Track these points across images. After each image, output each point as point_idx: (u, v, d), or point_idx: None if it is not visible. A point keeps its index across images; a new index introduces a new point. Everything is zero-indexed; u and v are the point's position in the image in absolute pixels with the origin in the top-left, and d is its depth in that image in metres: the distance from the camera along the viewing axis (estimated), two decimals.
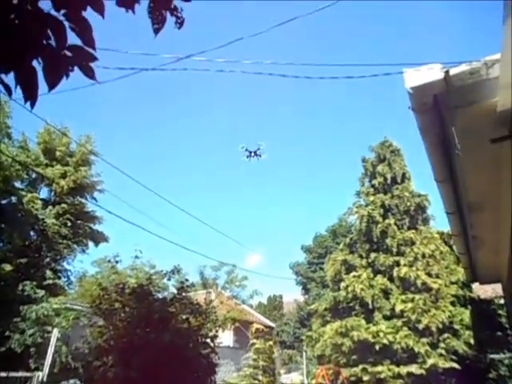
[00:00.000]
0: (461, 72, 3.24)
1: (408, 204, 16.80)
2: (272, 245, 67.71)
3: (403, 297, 14.98)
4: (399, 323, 14.59)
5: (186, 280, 9.09)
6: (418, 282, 14.87)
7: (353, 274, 16.08)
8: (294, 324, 34.15)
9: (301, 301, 33.87)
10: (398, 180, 17.42)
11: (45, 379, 8.57)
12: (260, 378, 15.24)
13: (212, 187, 64.11)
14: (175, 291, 9.08)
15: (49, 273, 15.01)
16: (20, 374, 8.71)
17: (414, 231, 16.39)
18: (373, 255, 16.34)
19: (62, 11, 1.63)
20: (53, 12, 1.64)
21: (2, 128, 16.45)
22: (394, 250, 16.00)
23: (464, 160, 3.91)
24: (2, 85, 2.27)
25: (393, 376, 13.87)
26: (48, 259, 16.00)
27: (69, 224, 16.50)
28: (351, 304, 15.81)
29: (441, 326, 14.02)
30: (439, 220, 17.53)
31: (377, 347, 14.22)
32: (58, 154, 17.18)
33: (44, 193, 17.44)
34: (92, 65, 1.78)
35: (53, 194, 17.22)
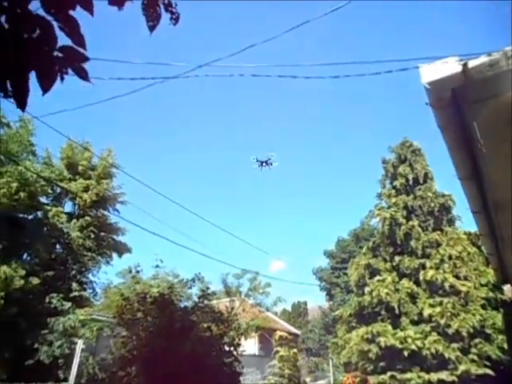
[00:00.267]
0: (480, 64, 3.10)
1: (432, 205, 16.38)
2: (295, 251, 67.15)
3: (431, 301, 14.54)
4: (428, 328, 14.15)
5: (207, 288, 9.07)
6: (446, 285, 14.42)
7: (377, 278, 15.73)
8: (319, 331, 33.66)
9: (325, 307, 33.36)
10: (421, 180, 17.03)
11: None
12: None
13: (233, 196, 64.35)
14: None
15: (75, 285, 15.26)
16: None
17: (439, 232, 15.95)
18: (397, 258, 15.96)
19: (49, 11, 1.58)
20: (40, 12, 1.59)
21: (27, 146, 17.03)
22: (419, 252, 15.59)
23: (488, 156, 3.74)
24: (13, 97, 2.30)
25: (423, 383, 13.41)
26: (74, 271, 16.30)
27: (93, 236, 16.78)
28: (376, 309, 15.44)
29: (472, 330, 13.52)
30: (466, 220, 17.02)
31: (405, 353, 13.81)
32: (80, 168, 17.57)
33: (68, 207, 17.82)
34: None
35: (76, 207, 17.59)
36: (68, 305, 13.85)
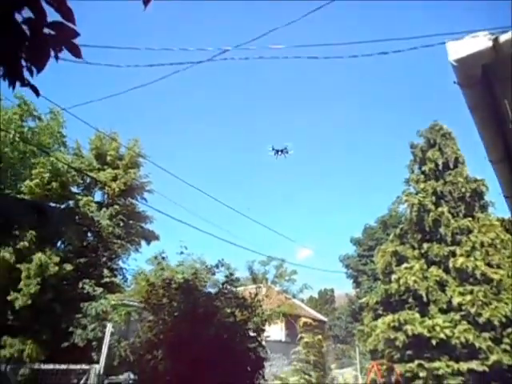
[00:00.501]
0: None
1: (463, 190, 15.82)
2: (322, 239, 66.88)
3: (461, 289, 14.14)
4: (457, 317, 13.80)
5: (231, 274, 9.19)
6: (477, 273, 13.97)
7: (404, 265, 15.42)
8: (345, 318, 33.55)
9: (352, 294, 33.16)
10: (451, 165, 16.43)
11: (101, 371, 9.09)
12: (311, 373, 15.08)
13: (260, 186, 64.47)
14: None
15: (106, 271, 15.79)
16: (78, 366, 9.30)
17: (470, 219, 15.42)
18: (425, 245, 15.57)
19: None
20: None
21: (58, 137, 17.63)
22: (449, 239, 15.14)
23: None
24: (29, 86, 2.35)
25: (452, 373, 13.17)
26: (104, 258, 16.87)
27: (122, 224, 17.25)
28: (404, 297, 15.19)
29: (504, 319, 13.08)
30: (499, 206, 16.32)
31: (433, 342, 13.55)
32: (108, 158, 18.02)
33: (98, 196, 18.37)
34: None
35: (106, 196, 18.09)
36: (100, 290, 14.39)
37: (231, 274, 9.25)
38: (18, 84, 2.16)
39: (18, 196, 14.09)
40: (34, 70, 2.06)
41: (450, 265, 14.66)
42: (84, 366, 9.56)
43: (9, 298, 13.07)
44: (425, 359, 13.86)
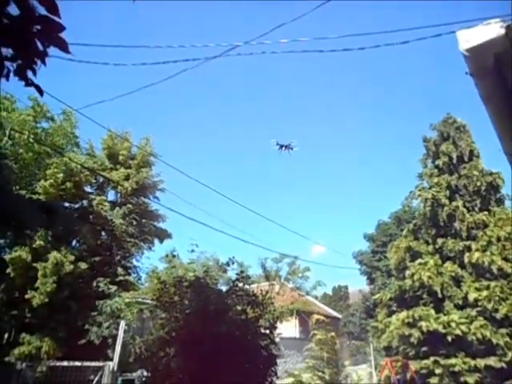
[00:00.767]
0: None
1: (478, 184, 15.50)
2: (336, 235, 66.49)
3: (477, 284, 13.90)
4: (473, 313, 13.57)
5: (242, 272, 9.18)
6: (494, 268, 13.70)
7: (418, 261, 15.21)
8: (360, 315, 33.32)
9: (366, 291, 32.90)
10: (465, 158, 16.12)
11: (115, 369, 9.22)
12: (325, 370, 15.01)
13: (271, 182, 64.36)
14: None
15: (120, 270, 16.01)
16: (93, 363, 9.45)
17: (486, 213, 15.12)
18: (440, 241, 15.33)
19: None
20: None
21: (71, 138, 17.89)
22: (464, 234, 14.87)
23: None
24: (33, 86, 2.36)
25: (468, 369, 12.95)
26: (118, 257, 17.08)
27: (135, 223, 17.44)
28: (418, 293, 14.99)
29: None
30: None
31: (449, 338, 13.36)
32: (120, 157, 18.21)
33: (111, 195, 18.61)
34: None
35: (118, 195, 18.30)
36: (114, 288, 14.58)
37: (242, 272, 9.25)
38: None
39: (33, 196, 14.33)
40: (35, 67, 2.07)
41: (466, 260, 14.41)
42: (98, 363, 9.70)
43: (26, 296, 13.37)
44: (440, 356, 13.68)
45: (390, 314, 15.84)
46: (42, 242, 13.96)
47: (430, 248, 15.56)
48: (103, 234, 17.18)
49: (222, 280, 12.27)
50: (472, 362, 13.03)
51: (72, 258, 14.19)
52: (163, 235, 19.40)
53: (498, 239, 14.37)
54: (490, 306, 13.25)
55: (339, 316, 33.90)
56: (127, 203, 17.80)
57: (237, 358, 7.31)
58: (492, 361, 12.82)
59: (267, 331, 8.73)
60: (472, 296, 13.71)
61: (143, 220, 18.37)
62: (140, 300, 14.61)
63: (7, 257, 13.66)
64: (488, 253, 14.10)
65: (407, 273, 15.30)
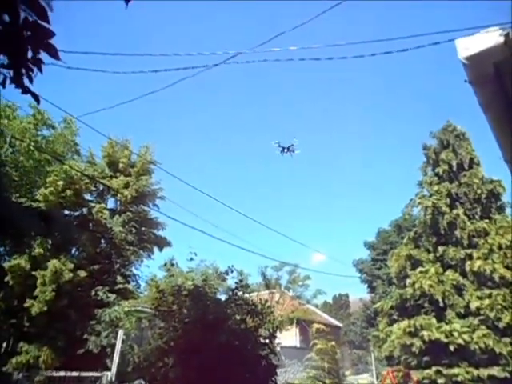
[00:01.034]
0: None
1: (478, 191, 15.45)
2: (336, 243, 66.25)
3: (479, 293, 13.78)
4: (476, 321, 13.43)
5: (241, 280, 9.09)
6: (496, 276, 13.59)
7: (419, 269, 15.10)
8: (360, 323, 33.05)
9: (367, 299, 32.67)
10: (466, 166, 16.09)
11: (113, 379, 9.10)
12: (326, 380, 14.81)
13: (271, 190, 64.33)
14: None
15: (119, 278, 15.90)
16: (91, 373, 9.33)
17: (487, 221, 15.05)
18: (441, 249, 15.23)
19: None
20: None
21: (71, 146, 17.93)
22: (465, 242, 14.79)
23: None
24: (30, 93, 2.35)
25: (472, 379, 12.78)
26: (118, 265, 16.99)
27: (134, 231, 17.37)
28: (419, 301, 14.86)
29: None
30: None
31: (451, 348, 13.19)
32: (120, 165, 18.22)
33: (110, 203, 18.58)
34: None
35: (118, 203, 18.27)
36: (113, 297, 14.47)
37: (241, 280, 9.16)
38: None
39: (33, 204, 14.30)
40: (32, 75, 2.06)
41: (467, 268, 14.30)
42: (96, 374, 9.58)
43: (25, 304, 13.27)
44: (443, 365, 13.51)
45: (391, 323, 15.68)
46: (41, 250, 13.91)
47: (431, 256, 15.46)
48: (103, 241, 17.13)
49: (222, 289, 12.17)
50: (475, 372, 12.86)
51: (71, 266, 14.12)
52: (163, 243, 19.33)
53: (500, 247, 14.27)
54: (492, 315, 13.12)
55: (340, 325, 33.66)
56: (127, 211, 17.76)
57: (236, 368, 7.21)
58: (495, 370, 12.65)
59: (267, 341, 8.62)
60: (474, 305, 13.59)
61: (143, 228, 18.31)
62: (139, 308, 14.48)
63: (6, 265, 13.60)
64: (489, 261, 14.00)
65: (408, 281, 15.18)
